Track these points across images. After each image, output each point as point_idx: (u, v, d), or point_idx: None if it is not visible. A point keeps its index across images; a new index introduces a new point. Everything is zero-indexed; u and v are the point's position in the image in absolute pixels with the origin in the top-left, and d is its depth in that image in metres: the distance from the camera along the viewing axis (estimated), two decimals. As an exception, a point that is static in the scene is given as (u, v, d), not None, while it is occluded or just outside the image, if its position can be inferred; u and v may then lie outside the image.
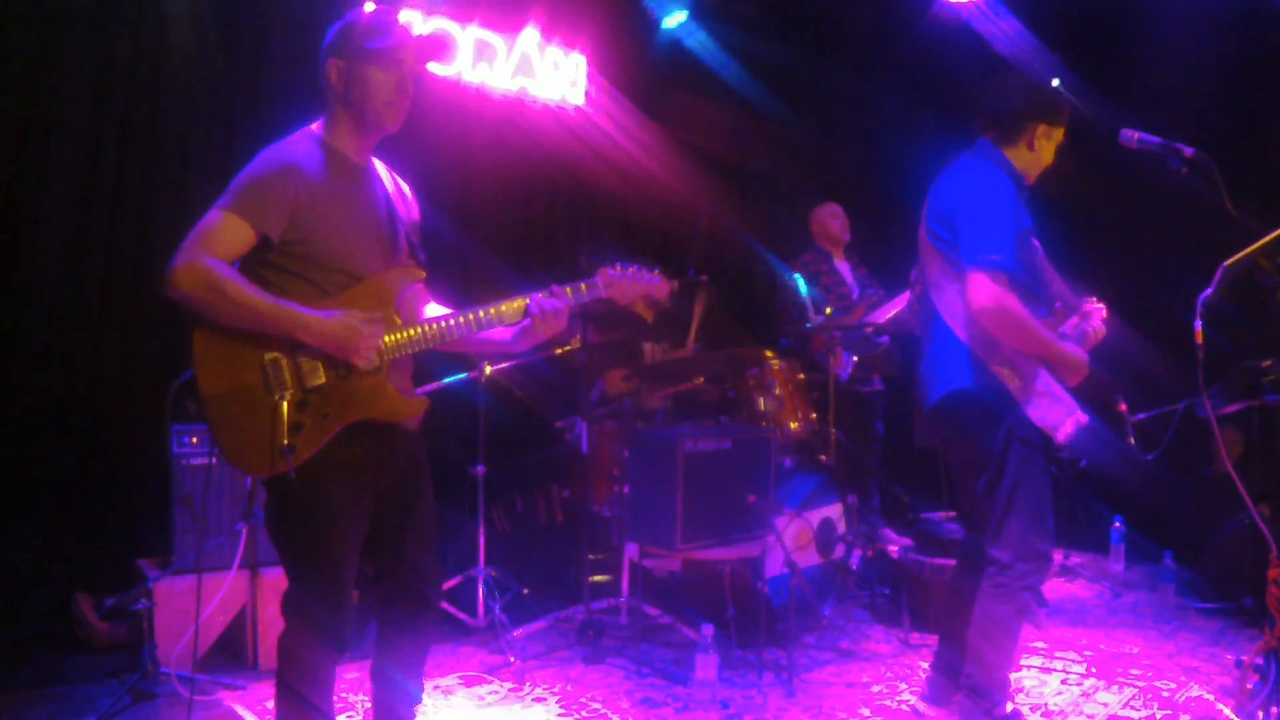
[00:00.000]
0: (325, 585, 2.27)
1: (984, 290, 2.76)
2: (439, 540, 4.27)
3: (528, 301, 2.42)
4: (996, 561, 2.89)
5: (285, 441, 2.14)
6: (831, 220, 5.52)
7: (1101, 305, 3.04)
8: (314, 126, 2.36)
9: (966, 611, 2.96)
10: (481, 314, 2.39)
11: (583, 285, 2.49)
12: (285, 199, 2.18)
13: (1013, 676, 3.00)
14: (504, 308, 2.41)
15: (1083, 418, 2.85)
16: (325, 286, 2.25)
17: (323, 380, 2.20)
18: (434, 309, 2.51)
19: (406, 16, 5.04)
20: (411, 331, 2.32)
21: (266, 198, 2.17)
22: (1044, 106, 2.98)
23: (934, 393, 2.99)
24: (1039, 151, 2.99)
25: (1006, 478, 2.86)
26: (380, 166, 2.48)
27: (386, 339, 2.28)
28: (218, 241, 2.13)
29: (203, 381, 2.14)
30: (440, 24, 5.20)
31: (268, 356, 2.17)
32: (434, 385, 3.89)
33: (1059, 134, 3.02)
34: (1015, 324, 2.78)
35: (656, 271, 2.61)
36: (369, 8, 4.83)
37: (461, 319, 2.37)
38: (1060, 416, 2.82)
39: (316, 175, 2.25)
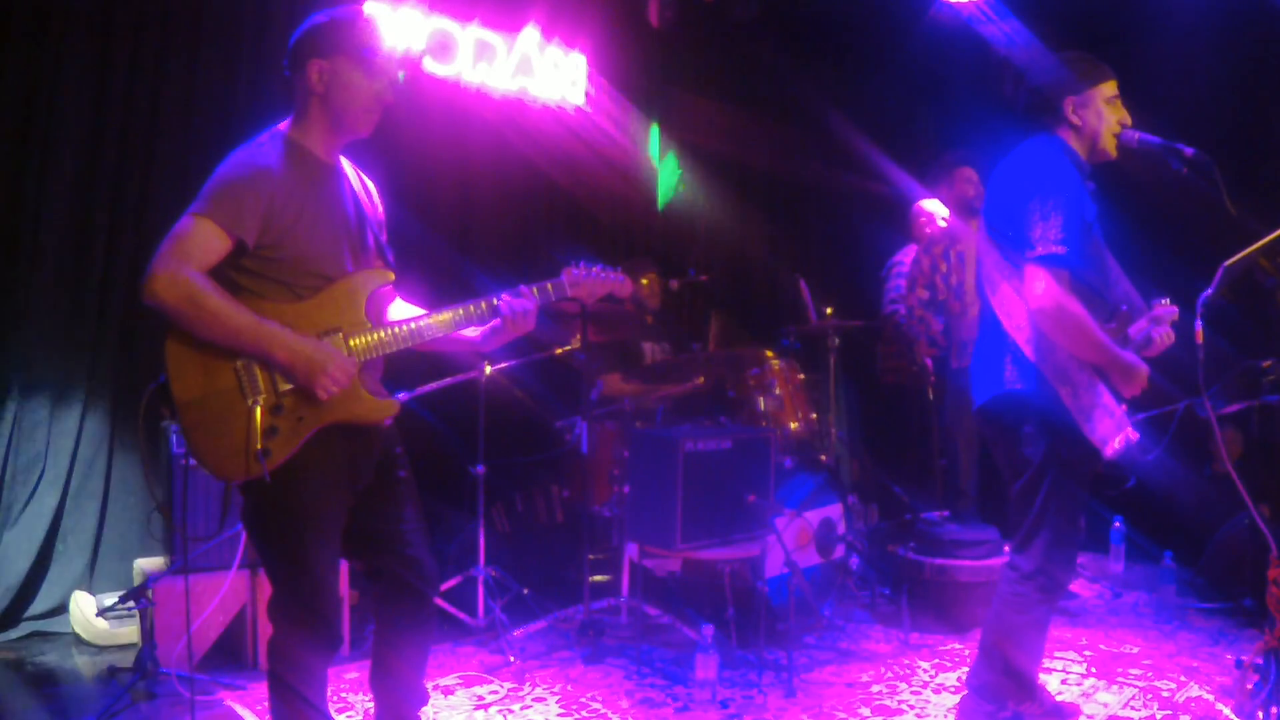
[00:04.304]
0: (307, 587, 2.27)
1: (1043, 288, 2.61)
2: (439, 540, 4.31)
3: (497, 301, 2.42)
4: (1019, 569, 2.83)
5: (260, 445, 2.13)
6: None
7: (1174, 308, 2.84)
8: (281, 126, 2.35)
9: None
10: (450, 315, 2.40)
11: (549, 285, 2.51)
12: (260, 204, 2.16)
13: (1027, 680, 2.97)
14: (472, 309, 2.41)
15: (1133, 435, 2.73)
16: (298, 290, 2.24)
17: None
18: (401, 308, 2.50)
19: (406, 16, 5.04)
20: (382, 334, 2.32)
21: (242, 203, 2.15)
22: (1059, 80, 2.83)
23: (982, 393, 2.90)
24: (1085, 125, 2.81)
25: (1042, 490, 2.77)
26: (347, 165, 2.46)
27: (354, 341, 2.28)
28: (196, 250, 2.12)
29: (176, 387, 2.14)
30: (440, 23, 5.20)
31: (240, 361, 2.16)
32: (434, 385, 3.89)
33: (1097, 99, 2.82)
34: (1074, 327, 2.62)
35: (619, 270, 2.64)
36: (368, 8, 4.89)
37: (432, 320, 2.38)
38: (1110, 431, 2.70)
39: (289, 178, 2.24)
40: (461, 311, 2.40)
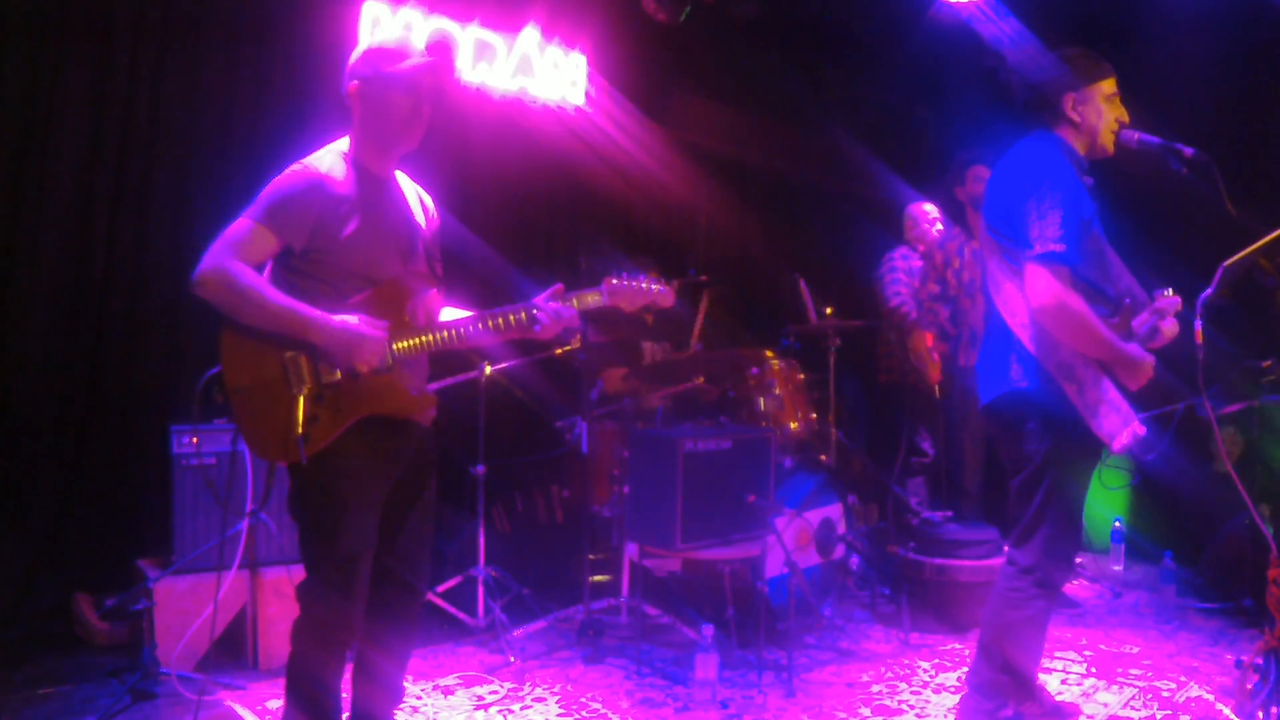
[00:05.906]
0: (337, 570, 2.37)
1: (1043, 286, 2.62)
2: (439, 540, 4.31)
3: (537, 312, 2.53)
4: (1016, 564, 2.84)
5: (300, 431, 2.30)
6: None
7: (1177, 299, 2.83)
8: (340, 142, 2.52)
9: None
10: (491, 322, 2.53)
11: (589, 296, 2.60)
12: (310, 212, 2.35)
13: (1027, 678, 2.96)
14: (511, 318, 2.53)
15: (1140, 429, 2.71)
16: (344, 291, 2.40)
17: (338, 377, 2.36)
18: (450, 313, 2.63)
19: (406, 16, 5.04)
20: (424, 335, 2.46)
21: (292, 211, 2.35)
22: (1059, 77, 2.82)
23: (988, 392, 2.90)
24: (1084, 122, 2.82)
25: (1043, 486, 2.78)
26: (403, 179, 2.63)
27: (398, 344, 2.43)
28: (244, 248, 2.32)
29: (229, 375, 2.33)
30: (440, 23, 5.20)
31: (288, 354, 2.33)
32: (434, 385, 3.89)
33: (1096, 96, 2.83)
34: (1076, 323, 2.64)
35: (661, 281, 2.70)
36: (366, 11, 4.89)
37: (472, 327, 2.52)
38: (1117, 426, 2.69)
39: (341, 189, 2.42)
40: (501, 321, 2.52)
